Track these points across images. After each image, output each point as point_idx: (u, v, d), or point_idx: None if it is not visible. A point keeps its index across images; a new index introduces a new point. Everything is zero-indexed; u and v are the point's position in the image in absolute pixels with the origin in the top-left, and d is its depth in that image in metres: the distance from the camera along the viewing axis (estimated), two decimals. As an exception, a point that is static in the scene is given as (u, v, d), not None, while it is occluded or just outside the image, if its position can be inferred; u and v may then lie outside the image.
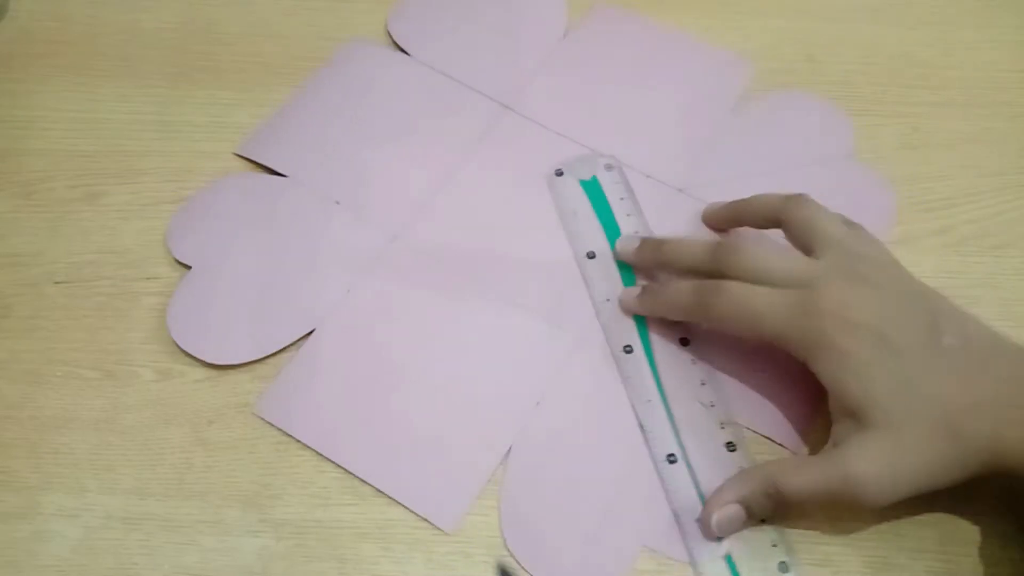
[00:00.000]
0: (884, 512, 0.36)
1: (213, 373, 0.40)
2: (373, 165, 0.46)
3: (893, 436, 0.34)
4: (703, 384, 0.39)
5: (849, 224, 0.40)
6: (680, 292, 0.39)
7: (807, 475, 0.35)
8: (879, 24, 0.52)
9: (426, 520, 0.37)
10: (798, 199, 0.40)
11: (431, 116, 0.48)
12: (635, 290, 0.41)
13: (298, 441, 0.38)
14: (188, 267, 0.42)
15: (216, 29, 0.51)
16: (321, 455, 0.38)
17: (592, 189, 0.44)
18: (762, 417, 0.39)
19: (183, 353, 0.40)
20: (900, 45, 0.51)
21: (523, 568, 0.36)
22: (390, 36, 0.51)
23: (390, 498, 0.37)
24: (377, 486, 0.37)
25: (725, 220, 0.44)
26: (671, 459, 0.37)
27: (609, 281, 0.42)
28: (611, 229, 0.43)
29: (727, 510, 0.35)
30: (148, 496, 0.37)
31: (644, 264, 0.42)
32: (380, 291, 0.42)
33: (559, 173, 0.45)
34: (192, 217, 0.44)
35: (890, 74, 0.50)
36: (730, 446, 0.38)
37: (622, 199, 0.44)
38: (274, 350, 0.40)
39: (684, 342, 0.40)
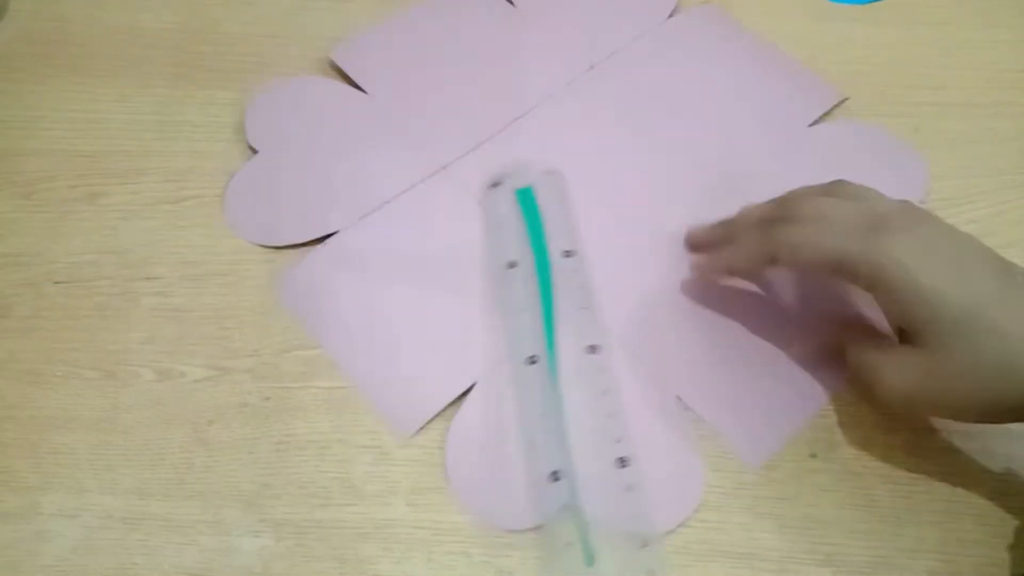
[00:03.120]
0: (884, 509, 0.37)
1: (213, 373, 0.40)
2: (445, 102, 0.48)
3: (942, 359, 0.34)
4: (604, 394, 0.38)
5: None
6: (751, 235, 0.38)
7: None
8: (879, 24, 0.52)
9: (383, 425, 0.38)
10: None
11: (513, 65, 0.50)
12: (701, 253, 0.41)
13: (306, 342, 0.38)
14: (256, 151, 0.46)
15: (216, 29, 0.51)
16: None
17: (525, 198, 0.44)
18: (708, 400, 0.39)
19: (183, 353, 0.40)
20: (900, 45, 0.51)
21: (451, 492, 0.37)
22: (390, 36, 0.51)
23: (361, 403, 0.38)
24: (356, 383, 0.40)
25: (713, 239, 0.42)
26: (555, 477, 0.36)
27: (526, 291, 0.41)
28: (538, 237, 0.43)
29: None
30: (148, 496, 0.37)
31: (715, 237, 0.41)
32: (411, 214, 0.44)
33: (495, 184, 0.45)
34: (271, 107, 0.48)
35: (890, 74, 0.50)
36: (621, 461, 0.37)
37: (555, 205, 0.44)
38: (311, 238, 0.43)
39: (593, 349, 0.39)
